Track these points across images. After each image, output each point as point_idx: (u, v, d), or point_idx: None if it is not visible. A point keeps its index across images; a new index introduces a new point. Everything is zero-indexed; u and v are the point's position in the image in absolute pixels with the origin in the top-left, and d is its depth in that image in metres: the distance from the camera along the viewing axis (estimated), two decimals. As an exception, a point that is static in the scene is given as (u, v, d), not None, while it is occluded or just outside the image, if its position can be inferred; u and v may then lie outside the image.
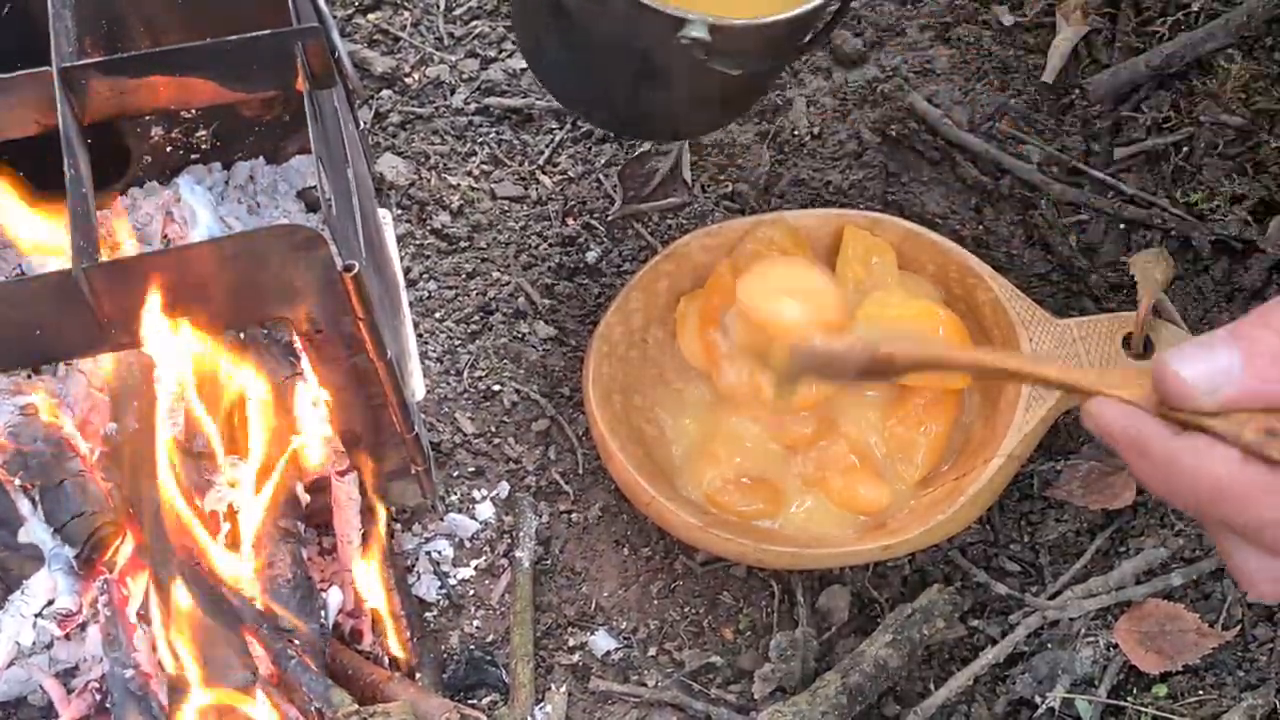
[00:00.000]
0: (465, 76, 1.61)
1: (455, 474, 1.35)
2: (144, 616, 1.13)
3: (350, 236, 1.08)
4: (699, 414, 1.31)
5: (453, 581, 1.29)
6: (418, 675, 1.20)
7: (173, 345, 1.16)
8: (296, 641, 1.14)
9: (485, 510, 1.33)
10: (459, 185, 1.53)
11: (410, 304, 1.41)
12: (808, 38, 1.24)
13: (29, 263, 1.32)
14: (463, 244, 1.49)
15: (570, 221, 1.51)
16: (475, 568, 1.30)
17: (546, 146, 1.57)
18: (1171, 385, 0.74)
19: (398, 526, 1.31)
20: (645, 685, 1.24)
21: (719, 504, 1.25)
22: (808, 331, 1.02)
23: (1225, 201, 1.45)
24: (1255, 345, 0.73)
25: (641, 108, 1.31)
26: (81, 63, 1.05)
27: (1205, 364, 0.74)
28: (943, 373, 1.16)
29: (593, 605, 1.28)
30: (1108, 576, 1.26)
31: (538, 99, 1.59)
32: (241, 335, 1.24)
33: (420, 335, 1.41)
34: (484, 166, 1.55)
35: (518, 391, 1.40)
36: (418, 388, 1.32)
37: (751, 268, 1.26)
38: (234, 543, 1.20)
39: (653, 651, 1.26)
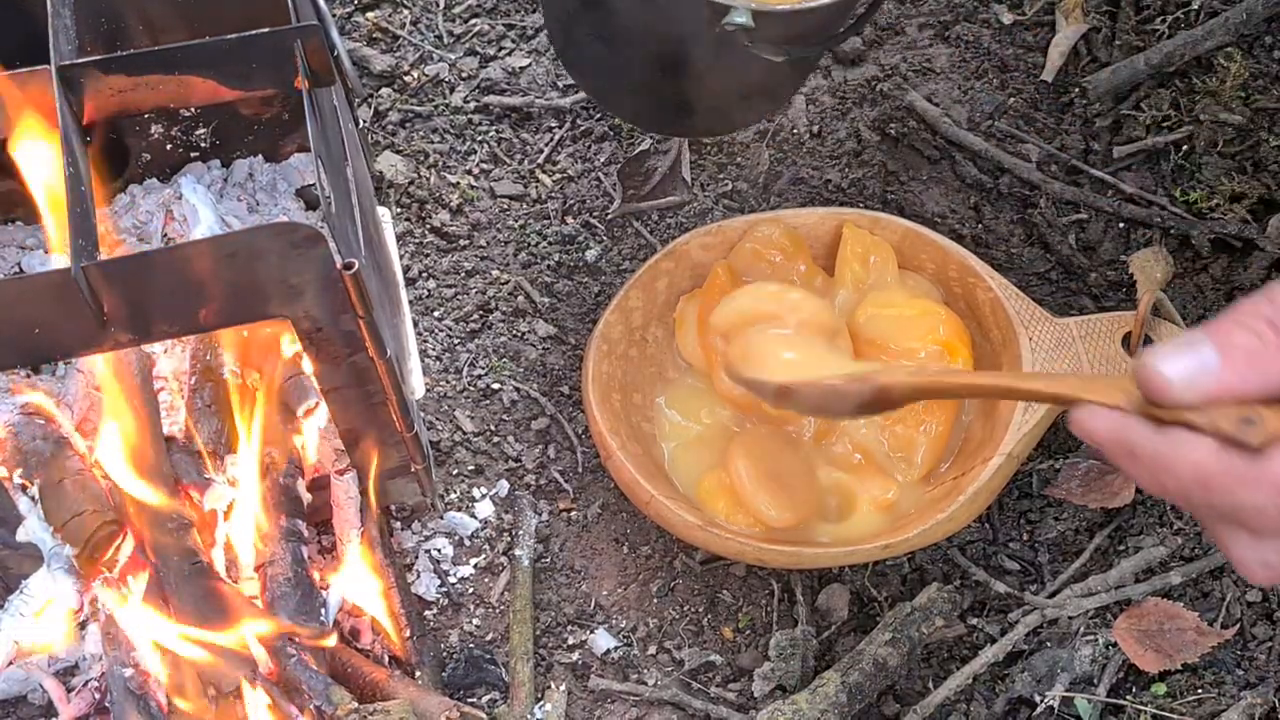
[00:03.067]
0: (464, 75, 1.61)
1: (455, 472, 1.35)
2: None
3: (349, 235, 1.08)
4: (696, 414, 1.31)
5: (452, 580, 1.29)
6: (417, 674, 1.20)
7: (172, 344, 1.16)
8: (296, 639, 1.14)
9: (485, 509, 1.33)
10: (458, 184, 1.53)
11: (410, 302, 1.41)
12: (847, 24, 1.23)
13: (29, 261, 1.32)
14: (462, 242, 1.49)
15: (570, 220, 1.51)
16: (475, 566, 1.30)
17: (546, 145, 1.57)
18: (1153, 383, 0.77)
19: (397, 525, 1.31)
20: (645, 684, 1.24)
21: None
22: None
23: (1224, 200, 1.45)
24: (1230, 341, 0.76)
25: (679, 101, 1.30)
26: (81, 61, 1.05)
27: (1185, 361, 0.77)
28: (943, 396, 1.17)
29: (592, 604, 1.28)
30: (1107, 575, 1.26)
31: (537, 97, 1.59)
32: (244, 333, 1.24)
33: (420, 333, 1.41)
34: (483, 165, 1.55)
35: (517, 390, 1.40)
36: (417, 386, 1.32)
37: (733, 339, 1.22)
38: (233, 542, 1.20)
39: (652, 650, 1.26)
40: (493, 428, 1.38)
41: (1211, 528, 0.80)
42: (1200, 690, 1.20)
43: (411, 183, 1.52)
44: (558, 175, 1.55)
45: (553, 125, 1.58)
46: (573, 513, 1.33)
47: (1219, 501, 0.77)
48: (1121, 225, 1.47)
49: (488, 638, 1.26)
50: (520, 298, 1.45)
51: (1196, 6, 1.58)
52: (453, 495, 1.33)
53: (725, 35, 1.12)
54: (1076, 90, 1.57)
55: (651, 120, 1.43)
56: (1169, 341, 0.78)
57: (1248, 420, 0.78)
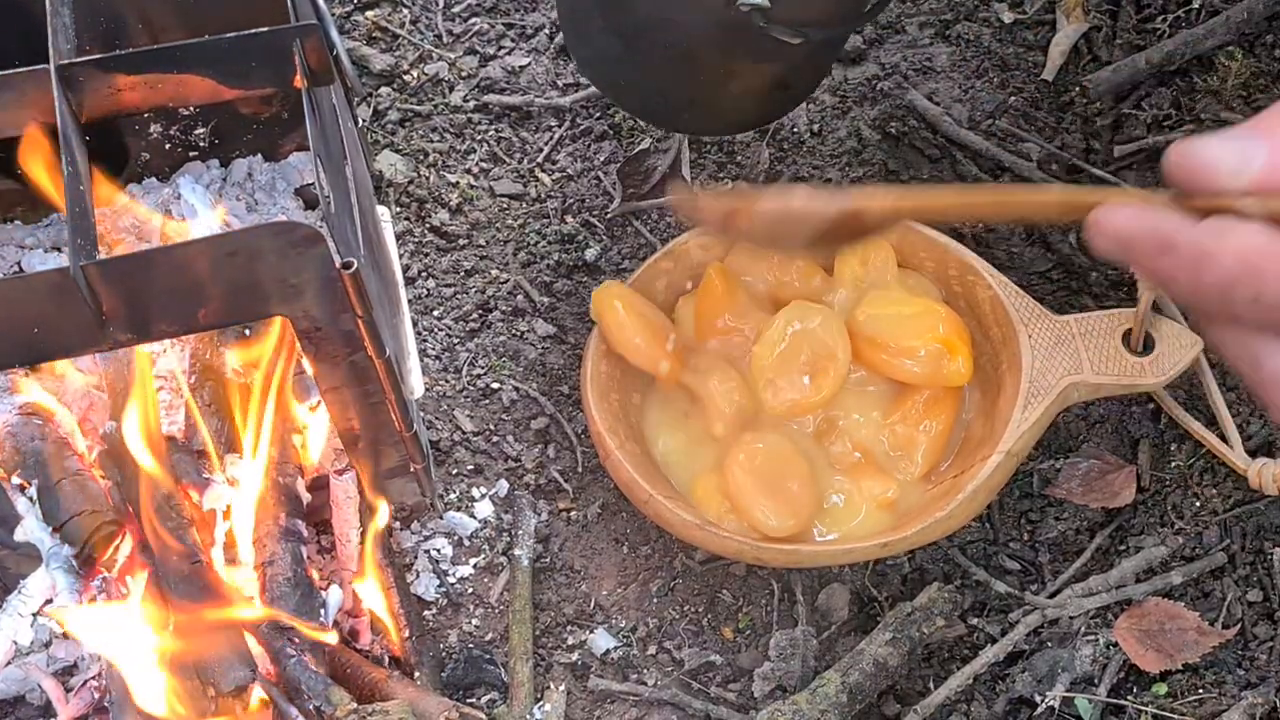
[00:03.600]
0: (464, 74, 1.61)
1: (454, 472, 1.35)
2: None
3: (349, 234, 1.08)
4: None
5: (451, 580, 1.29)
6: (416, 674, 1.20)
7: (172, 343, 1.16)
8: (296, 640, 1.14)
9: (484, 508, 1.32)
10: (458, 183, 1.53)
11: (409, 301, 1.41)
12: (869, 5, 1.21)
13: (28, 260, 1.32)
14: (461, 241, 1.49)
15: (569, 219, 1.51)
16: (474, 566, 1.30)
17: (545, 144, 1.56)
18: (1196, 169, 0.68)
19: (396, 525, 1.31)
20: (644, 684, 1.24)
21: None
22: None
23: (1225, 199, 1.45)
24: (1277, 131, 0.67)
25: (692, 96, 1.28)
26: (80, 60, 1.05)
27: (1229, 147, 0.68)
28: (929, 218, 1.05)
29: (592, 604, 1.28)
30: (1107, 575, 1.26)
31: (537, 96, 1.59)
32: (247, 332, 1.24)
33: (419, 333, 1.41)
34: (483, 164, 1.55)
35: (516, 389, 1.39)
36: (416, 385, 1.32)
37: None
38: (233, 541, 1.20)
39: (652, 650, 1.26)
40: (492, 427, 1.37)
41: (1250, 341, 0.68)
42: (1201, 690, 1.20)
43: (411, 182, 1.52)
44: (557, 174, 1.55)
45: (552, 124, 1.58)
46: (572, 512, 1.33)
47: (1267, 290, 0.66)
48: (1122, 224, 1.46)
49: (487, 638, 1.26)
50: (520, 297, 1.45)
51: (1197, 5, 1.57)
52: (452, 495, 1.33)
53: (740, 18, 1.09)
54: (1077, 89, 1.57)
55: (663, 117, 1.41)
56: (1204, 136, 0.68)
57: None
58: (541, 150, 1.56)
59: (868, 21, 1.18)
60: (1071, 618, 1.24)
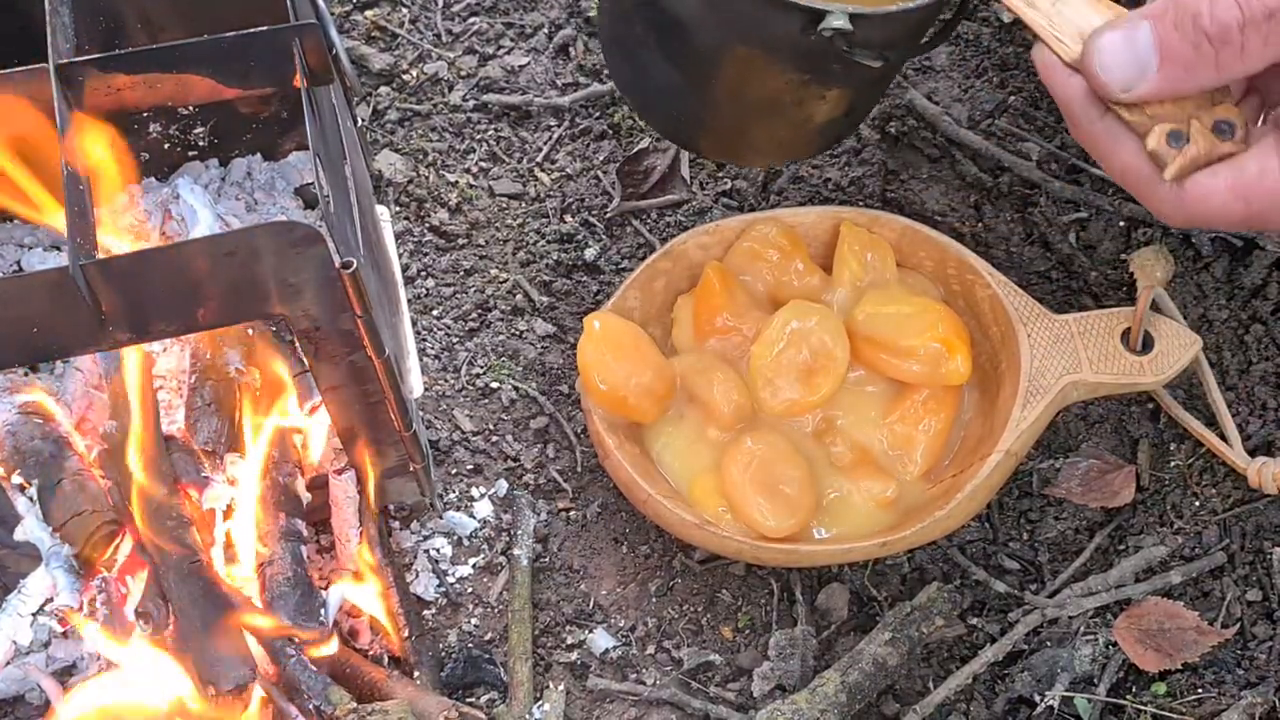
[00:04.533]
0: (463, 73, 1.61)
1: (453, 472, 1.35)
2: (143, 614, 1.13)
3: (348, 234, 1.08)
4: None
5: (451, 579, 1.29)
6: (416, 673, 1.20)
7: (171, 343, 1.16)
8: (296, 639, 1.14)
9: (483, 508, 1.32)
10: (457, 182, 1.53)
11: (408, 301, 1.41)
12: (938, 28, 1.18)
13: (28, 259, 1.32)
14: (461, 241, 1.49)
15: (568, 219, 1.51)
16: (473, 566, 1.30)
17: (545, 143, 1.56)
18: (1095, 79, 0.83)
19: (395, 524, 1.31)
20: (644, 683, 1.24)
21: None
22: None
23: (1225, 199, 1.45)
24: (1170, 47, 0.81)
25: (763, 125, 1.23)
26: (79, 59, 1.05)
27: (1124, 58, 0.82)
28: None
29: (591, 603, 1.28)
30: (1107, 574, 1.26)
31: (536, 96, 1.59)
32: (250, 331, 1.24)
33: (418, 332, 1.41)
34: (482, 163, 1.55)
35: (516, 389, 1.39)
36: (416, 385, 1.32)
37: None
38: (233, 541, 1.20)
39: (651, 649, 1.26)
40: (491, 427, 1.37)
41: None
42: (1200, 690, 1.20)
43: (410, 181, 1.52)
44: (556, 174, 1.55)
45: (551, 124, 1.58)
46: (571, 512, 1.33)
47: (1136, 196, 0.86)
48: (1122, 224, 1.46)
49: (486, 637, 1.26)
50: (519, 296, 1.45)
51: (1196, 5, 1.57)
52: (451, 495, 1.33)
53: (819, 44, 1.05)
54: (1076, 89, 1.57)
55: (726, 149, 1.34)
56: (1113, 24, 0.82)
57: (1175, 136, 0.83)
58: (541, 150, 1.56)
59: (944, 41, 1.15)
60: (1071, 617, 1.24)
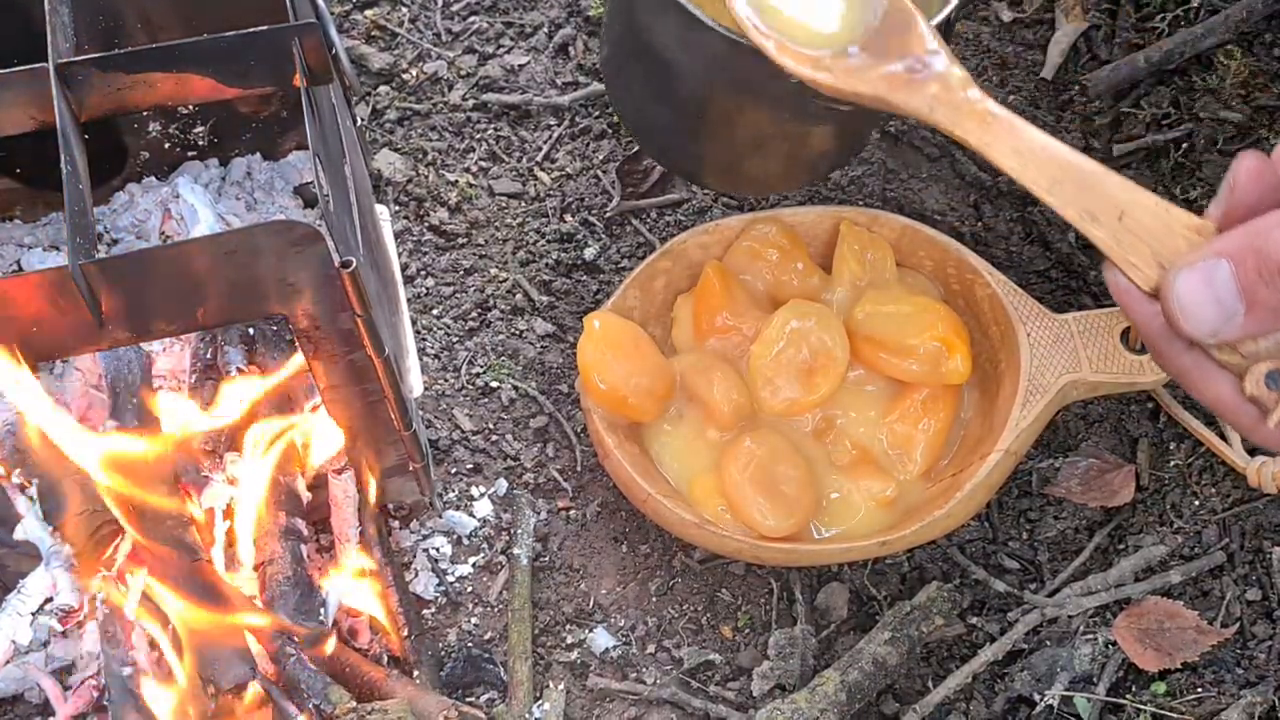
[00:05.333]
0: (463, 72, 1.61)
1: (453, 471, 1.35)
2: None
3: (348, 233, 1.08)
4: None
5: (451, 579, 1.29)
6: (415, 673, 1.20)
7: (171, 342, 1.15)
8: (296, 639, 1.14)
9: (483, 507, 1.32)
10: (457, 182, 1.53)
11: (408, 300, 1.41)
12: None
13: (28, 259, 1.32)
14: (460, 240, 1.49)
15: (568, 218, 1.51)
16: (473, 565, 1.30)
17: (544, 143, 1.56)
18: (1174, 321, 0.77)
19: (395, 524, 1.31)
20: (644, 683, 1.24)
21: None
22: None
23: (1224, 198, 1.45)
24: (1255, 295, 0.75)
25: (760, 164, 1.26)
26: (79, 59, 1.05)
27: (1206, 300, 0.76)
28: None
29: (591, 602, 1.28)
30: (1107, 574, 1.26)
31: (536, 95, 1.59)
32: (251, 330, 1.24)
33: (418, 332, 1.41)
34: (482, 163, 1.55)
35: (515, 388, 1.39)
36: (415, 384, 1.32)
37: None
38: (233, 540, 1.20)
39: (651, 649, 1.26)
40: (491, 426, 1.37)
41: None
42: (1200, 689, 1.20)
43: (410, 181, 1.52)
44: (556, 173, 1.55)
45: (551, 123, 1.58)
46: (571, 511, 1.33)
47: (1240, 432, 0.79)
48: (1121, 223, 1.46)
49: (486, 637, 1.26)
50: (519, 296, 1.45)
51: (1196, 4, 1.57)
52: (451, 494, 1.33)
53: (793, 88, 1.02)
54: (1076, 88, 1.57)
55: (719, 181, 1.39)
56: (1190, 263, 0.75)
57: (1273, 377, 0.77)
58: (540, 149, 1.56)
59: None
60: (1070, 617, 1.24)
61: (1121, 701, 1.20)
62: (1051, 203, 0.82)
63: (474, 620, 1.27)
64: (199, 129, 1.37)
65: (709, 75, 1.14)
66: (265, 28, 1.06)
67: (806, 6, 0.97)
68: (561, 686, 1.22)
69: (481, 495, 1.33)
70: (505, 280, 1.46)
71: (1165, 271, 0.77)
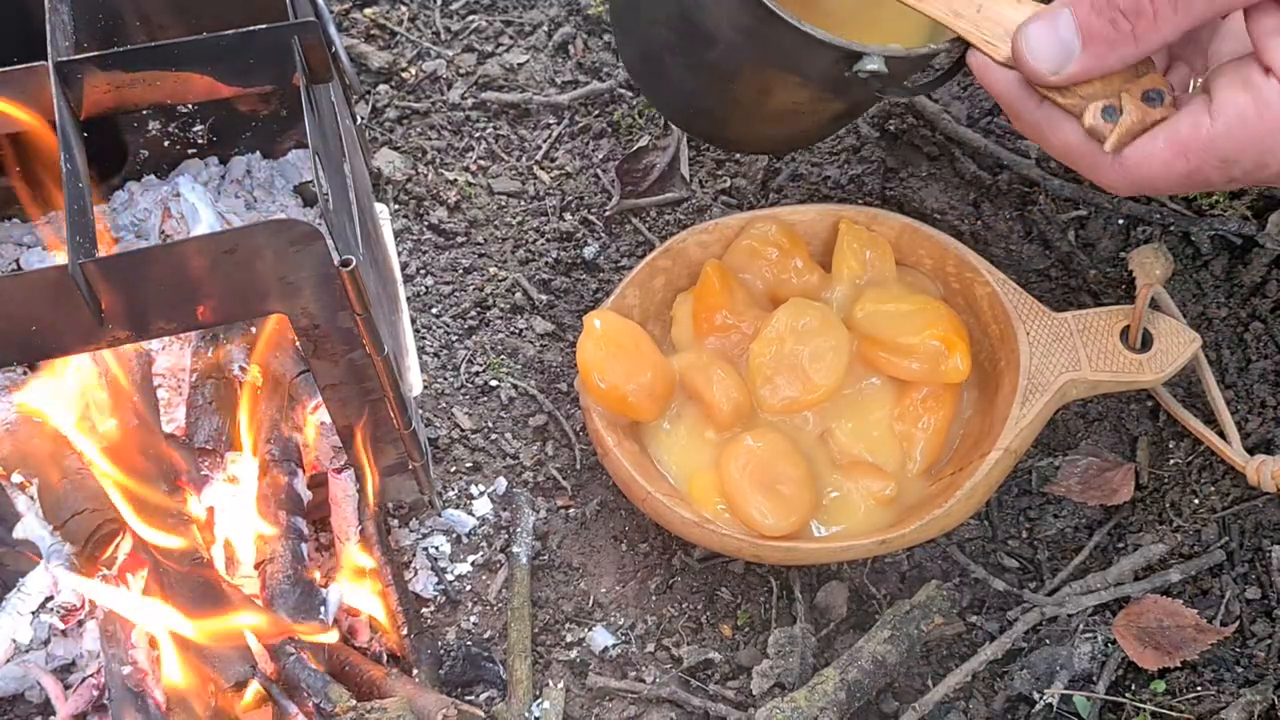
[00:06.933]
0: (462, 71, 1.61)
1: (452, 469, 1.35)
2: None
3: (347, 231, 1.08)
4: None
5: (450, 577, 1.29)
6: (415, 671, 1.20)
7: (170, 341, 1.15)
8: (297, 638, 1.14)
9: (482, 506, 1.32)
10: (456, 180, 1.53)
11: (407, 299, 1.41)
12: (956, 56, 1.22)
13: (27, 258, 1.32)
14: (460, 239, 1.49)
15: (568, 216, 1.51)
16: (472, 563, 1.30)
17: (544, 141, 1.56)
18: (1026, 67, 0.93)
19: (395, 522, 1.31)
20: (643, 681, 1.24)
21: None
22: None
23: (1224, 197, 1.45)
24: (1090, 29, 0.91)
25: (775, 132, 1.29)
26: (78, 57, 1.05)
27: (1049, 42, 0.92)
28: None
29: (590, 601, 1.28)
30: (1106, 573, 1.26)
31: (535, 94, 1.59)
32: (253, 329, 1.24)
33: (417, 330, 1.41)
34: (481, 161, 1.55)
35: (515, 387, 1.39)
36: (415, 383, 1.32)
37: None
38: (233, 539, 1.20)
39: (651, 647, 1.26)
40: (490, 425, 1.37)
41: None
42: (1199, 688, 1.20)
43: (409, 179, 1.52)
44: (556, 172, 1.55)
45: (550, 122, 1.58)
46: (571, 510, 1.33)
47: (1084, 175, 0.95)
48: (1121, 222, 1.47)
49: (485, 635, 1.26)
50: (518, 294, 1.45)
51: (1195, 3, 1.57)
52: (450, 492, 1.33)
53: (853, 79, 1.08)
54: (1075, 87, 1.57)
55: (735, 143, 1.42)
56: (1037, 15, 0.91)
57: (1108, 110, 0.92)
58: (540, 148, 1.56)
59: (961, 70, 1.17)
60: (1070, 615, 1.24)
61: (1121, 700, 1.20)
62: (921, 6, 1.01)
63: (473, 619, 1.27)
64: (198, 127, 1.37)
65: (761, 57, 1.14)
66: (265, 26, 1.06)
67: None
68: (561, 685, 1.22)
69: (481, 494, 1.33)
70: (505, 279, 1.46)
71: (1017, 30, 0.94)
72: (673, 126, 1.54)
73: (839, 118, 1.28)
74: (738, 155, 1.54)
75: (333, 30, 1.15)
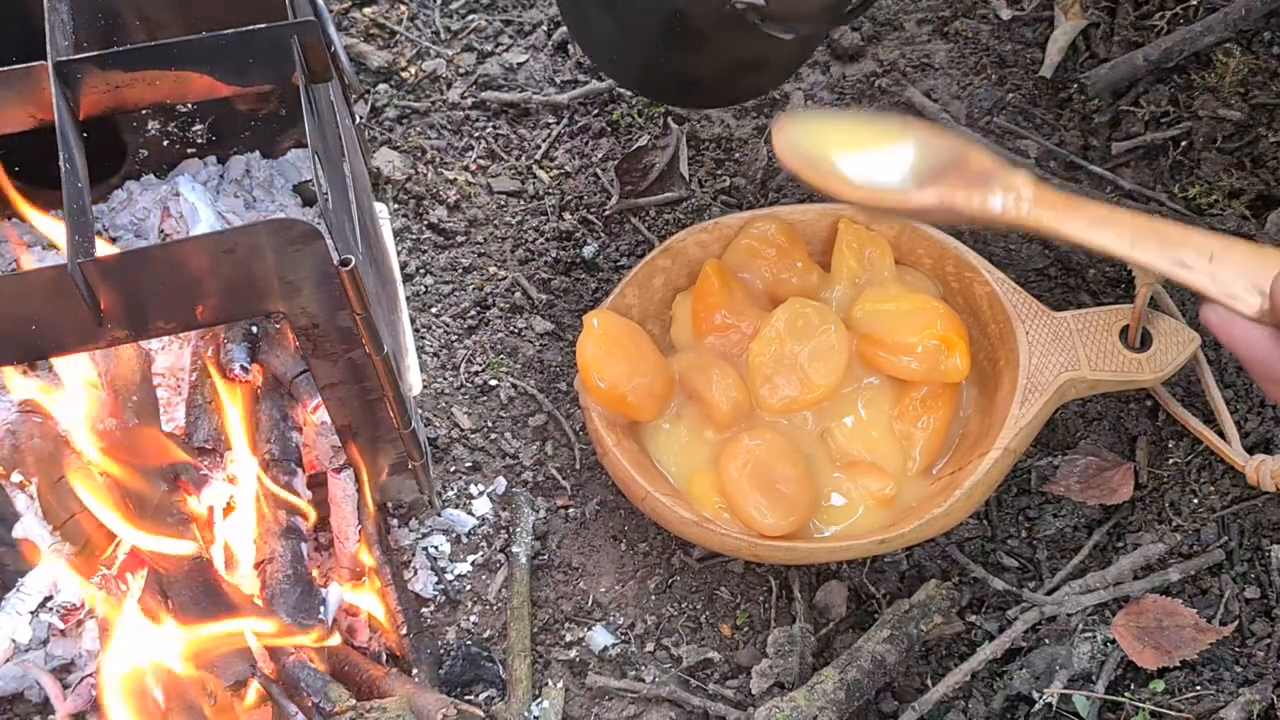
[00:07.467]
0: (462, 71, 1.61)
1: (452, 469, 1.35)
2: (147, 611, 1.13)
3: (346, 231, 1.08)
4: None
5: (450, 577, 1.29)
6: (414, 671, 1.20)
7: (170, 340, 1.15)
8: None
9: (482, 505, 1.32)
10: (456, 180, 1.53)
11: (407, 298, 1.41)
12: (856, 3, 1.26)
13: (25, 257, 1.32)
14: (459, 238, 1.49)
15: (567, 216, 1.51)
16: (472, 563, 1.30)
17: (543, 141, 1.56)
18: None
19: (394, 522, 1.31)
20: (643, 681, 1.24)
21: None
22: None
23: (1223, 196, 1.45)
24: None
25: (686, 74, 1.33)
26: (77, 57, 1.05)
27: None
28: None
29: (590, 601, 1.28)
30: (1105, 572, 1.26)
31: (534, 93, 1.59)
32: (254, 329, 1.24)
33: (417, 330, 1.41)
34: (481, 161, 1.55)
35: (514, 386, 1.39)
36: (414, 382, 1.32)
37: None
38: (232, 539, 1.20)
39: (650, 647, 1.26)
40: (490, 424, 1.37)
41: None
42: (1199, 687, 1.20)
43: (409, 179, 1.52)
44: (555, 171, 1.55)
45: (550, 121, 1.58)
46: (570, 509, 1.33)
47: None
48: (1120, 221, 1.46)
49: (485, 635, 1.26)
50: (518, 294, 1.45)
51: (1195, 2, 1.57)
52: (450, 492, 1.33)
53: (735, 13, 1.14)
54: (1075, 86, 1.57)
55: (660, 93, 1.46)
56: None
57: None
58: (539, 147, 1.56)
59: (854, 19, 1.22)
60: (1069, 615, 1.24)
61: (1120, 699, 1.20)
62: (1138, 257, 0.86)
63: (473, 618, 1.27)
64: (198, 127, 1.37)
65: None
66: (264, 25, 1.06)
67: (871, 166, 0.94)
68: (560, 684, 1.22)
69: (480, 493, 1.33)
70: (504, 278, 1.46)
71: (1276, 281, 0.77)
72: (672, 126, 1.54)
73: (748, 67, 1.33)
74: (736, 155, 1.54)
75: (332, 29, 1.15)
